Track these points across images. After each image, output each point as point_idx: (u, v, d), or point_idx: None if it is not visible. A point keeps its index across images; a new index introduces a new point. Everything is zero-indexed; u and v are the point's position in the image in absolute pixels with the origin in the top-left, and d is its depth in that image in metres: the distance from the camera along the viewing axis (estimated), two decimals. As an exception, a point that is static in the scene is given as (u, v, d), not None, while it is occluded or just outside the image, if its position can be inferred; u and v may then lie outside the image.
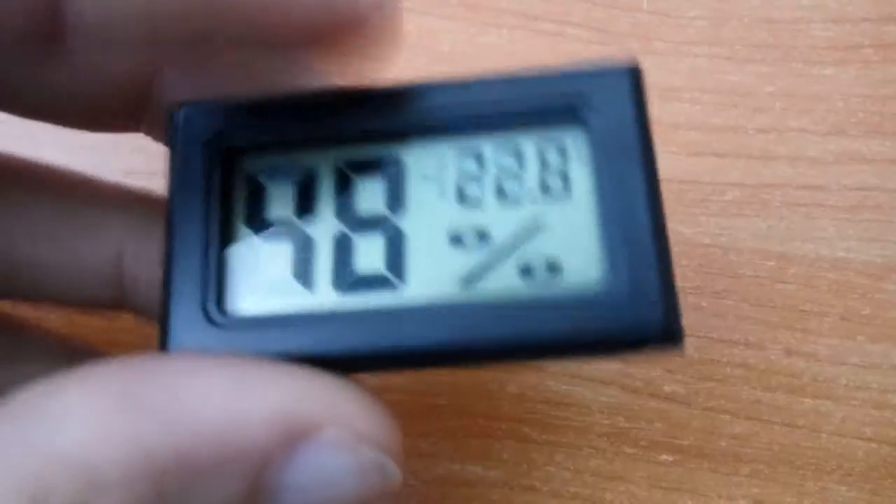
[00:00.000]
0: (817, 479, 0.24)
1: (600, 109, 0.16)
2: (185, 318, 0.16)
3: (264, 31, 0.16)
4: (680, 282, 0.25)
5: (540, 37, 0.29)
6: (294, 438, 0.13)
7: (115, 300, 0.20)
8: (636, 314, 0.15)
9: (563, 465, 0.24)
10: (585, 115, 0.16)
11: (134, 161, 0.27)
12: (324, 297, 0.16)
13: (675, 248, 0.16)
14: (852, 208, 0.26)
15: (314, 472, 0.14)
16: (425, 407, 0.24)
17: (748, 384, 0.24)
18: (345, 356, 0.15)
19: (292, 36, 0.16)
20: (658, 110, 0.17)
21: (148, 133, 0.20)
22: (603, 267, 0.16)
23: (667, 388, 0.24)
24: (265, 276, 0.16)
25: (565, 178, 0.16)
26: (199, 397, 0.13)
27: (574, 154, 0.16)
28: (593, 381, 0.25)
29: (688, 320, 0.25)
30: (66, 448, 0.12)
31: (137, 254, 0.20)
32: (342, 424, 0.14)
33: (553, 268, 0.16)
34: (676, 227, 0.25)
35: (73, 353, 0.21)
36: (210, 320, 0.16)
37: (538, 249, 0.16)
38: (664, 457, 0.24)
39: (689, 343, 0.25)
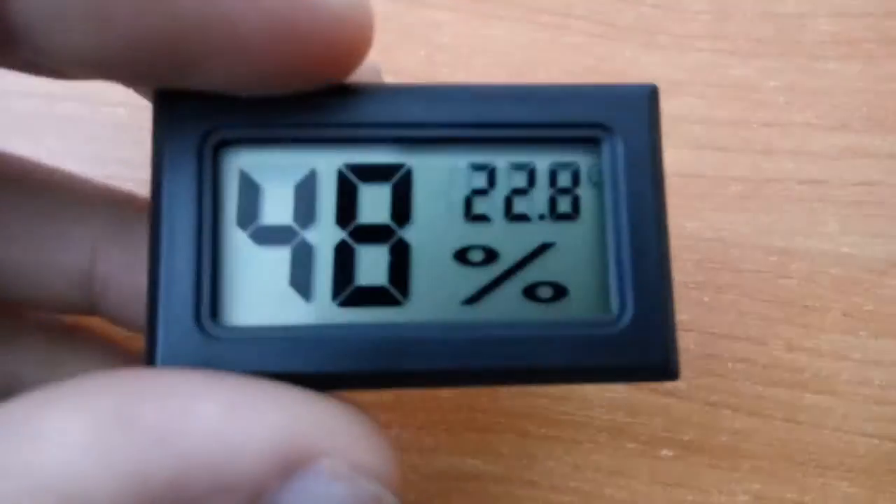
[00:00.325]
0: (818, 475, 0.24)
1: (616, 133, 0.16)
2: (176, 328, 0.15)
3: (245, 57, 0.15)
4: (682, 276, 0.25)
5: (542, 29, 0.29)
6: (290, 467, 0.13)
7: (87, 303, 0.19)
8: (639, 348, 0.15)
9: (564, 459, 0.24)
10: (602, 140, 0.16)
11: (132, 152, 0.26)
12: (322, 309, 0.15)
13: (678, 243, 0.16)
14: (855, 203, 0.26)
15: (308, 501, 0.13)
16: (426, 401, 0.24)
17: (749, 379, 0.24)
18: (344, 374, 0.15)
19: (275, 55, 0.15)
20: (661, 104, 0.16)
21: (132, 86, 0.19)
22: (608, 295, 0.16)
23: (668, 384, 0.24)
24: (261, 284, 0.15)
25: (575, 201, 0.16)
26: (196, 420, 0.12)
27: (585, 177, 0.16)
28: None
29: (689, 315, 0.25)
30: (55, 472, 0.11)
31: (110, 255, 0.19)
32: (340, 454, 0.14)
33: (558, 292, 0.16)
34: (679, 222, 0.25)
35: (72, 332, 0.21)
36: (203, 331, 0.15)
37: (544, 272, 0.16)
38: (665, 452, 0.24)
39: (691, 338, 0.25)
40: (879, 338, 0.25)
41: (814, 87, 0.28)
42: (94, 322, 0.21)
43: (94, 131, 0.26)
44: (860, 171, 0.26)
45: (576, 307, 0.16)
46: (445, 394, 0.24)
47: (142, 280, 0.18)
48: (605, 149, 0.16)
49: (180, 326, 0.15)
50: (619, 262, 0.15)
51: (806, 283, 0.25)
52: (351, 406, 0.15)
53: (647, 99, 0.16)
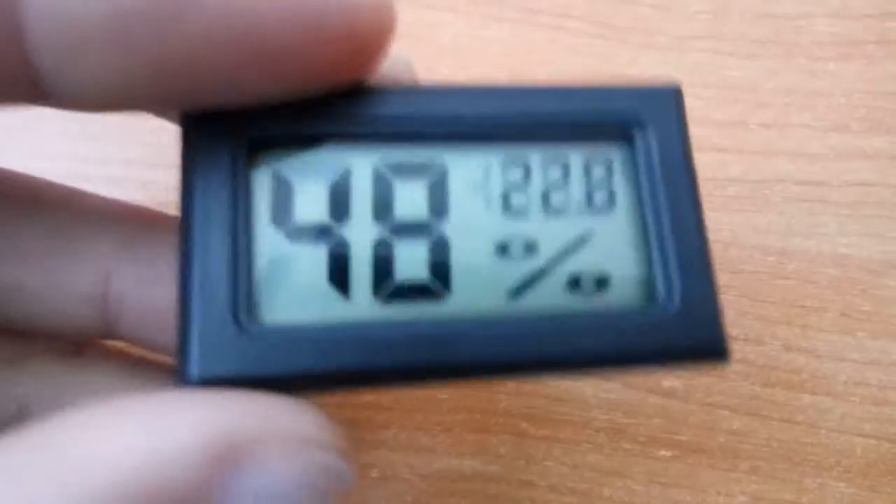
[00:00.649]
0: (816, 476, 0.24)
1: (648, 128, 0.16)
2: (212, 328, 0.14)
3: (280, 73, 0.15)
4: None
5: (541, 30, 0.29)
6: (228, 463, 0.12)
7: (102, 325, 0.19)
8: (689, 331, 0.15)
9: (562, 460, 0.24)
10: (633, 133, 0.16)
11: (134, 152, 0.26)
12: (363, 306, 0.15)
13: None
14: (853, 204, 0.26)
15: (262, 493, 0.13)
16: (423, 401, 0.24)
17: (747, 380, 0.24)
18: (389, 369, 0.15)
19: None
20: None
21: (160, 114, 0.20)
22: (653, 281, 0.16)
23: (666, 384, 0.24)
24: (299, 282, 0.15)
25: (611, 193, 0.16)
26: (100, 443, 0.12)
27: (619, 169, 0.16)
28: (592, 377, 0.25)
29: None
30: None
31: (125, 272, 0.18)
32: (279, 436, 0.13)
33: (601, 281, 0.16)
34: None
35: (82, 352, 0.20)
36: (242, 330, 0.14)
37: (585, 262, 0.16)
38: (662, 452, 0.24)
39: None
40: (877, 338, 0.25)
41: (813, 88, 0.28)
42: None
43: (96, 131, 0.27)
44: (858, 172, 0.26)
45: (620, 296, 0.16)
46: (443, 394, 0.24)
47: (159, 296, 0.18)
48: (639, 142, 0.16)
49: (217, 327, 0.14)
50: (661, 249, 0.16)
51: (804, 283, 0.25)
52: (280, 394, 0.14)
53: (674, 95, 0.17)
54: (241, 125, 0.15)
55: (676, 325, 0.15)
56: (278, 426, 0.13)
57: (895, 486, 0.23)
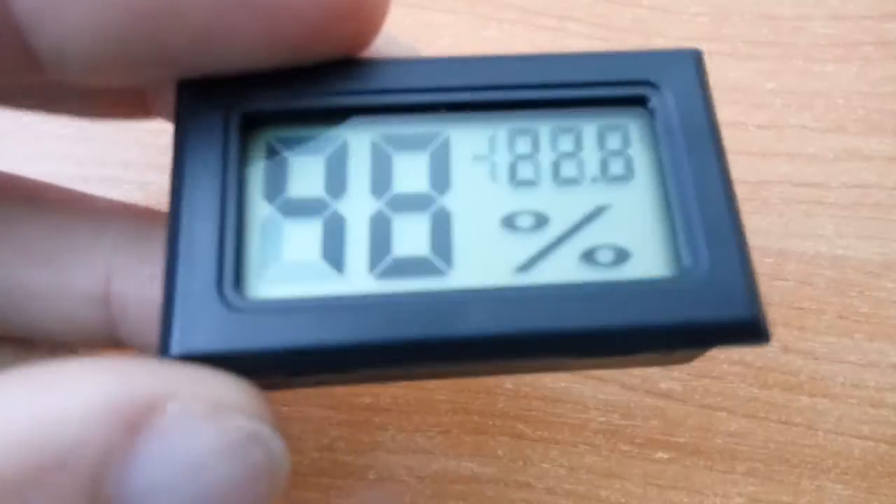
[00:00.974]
0: (814, 478, 0.24)
1: (666, 93, 0.15)
2: (195, 300, 0.13)
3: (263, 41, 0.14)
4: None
5: (541, 31, 0.29)
6: (134, 427, 0.11)
7: (105, 328, 0.19)
8: (718, 301, 0.14)
9: (559, 461, 0.24)
10: (651, 99, 0.15)
11: (132, 154, 0.26)
12: (357, 281, 0.14)
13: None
14: (851, 206, 0.26)
15: (171, 458, 0.11)
16: (421, 403, 0.24)
17: (745, 381, 0.24)
18: (383, 345, 0.13)
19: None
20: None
21: (161, 115, 0.19)
22: (677, 250, 0.14)
23: (663, 386, 0.24)
24: (290, 256, 0.14)
25: (628, 162, 0.15)
26: None
27: (636, 137, 0.15)
28: (590, 378, 0.25)
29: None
30: None
31: (127, 272, 0.18)
32: (190, 396, 0.12)
33: (620, 253, 0.15)
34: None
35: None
36: (226, 303, 0.13)
37: (601, 234, 0.15)
38: (660, 454, 0.24)
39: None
40: (875, 340, 0.25)
41: (811, 89, 0.28)
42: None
43: (94, 133, 0.27)
44: (856, 173, 0.26)
45: (642, 268, 0.14)
46: (441, 396, 0.24)
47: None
48: (657, 106, 0.15)
49: (201, 298, 0.13)
50: (686, 217, 0.14)
51: (802, 285, 0.25)
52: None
53: (693, 57, 0.16)
54: (237, 96, 0.15)
55: (704, 293, 0.14)
56: (190, 389, 0.12)
57: (893, 488, 0.23)
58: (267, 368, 0.13)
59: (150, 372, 0.12)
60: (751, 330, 0.14)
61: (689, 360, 0.18)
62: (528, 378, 0.24)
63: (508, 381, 0.24)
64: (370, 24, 0.15)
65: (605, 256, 0.15)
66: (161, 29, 0.14)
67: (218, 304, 0.13)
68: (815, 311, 0.25)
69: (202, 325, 0.13)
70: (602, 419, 0.24)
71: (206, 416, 0.12)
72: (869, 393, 0.24)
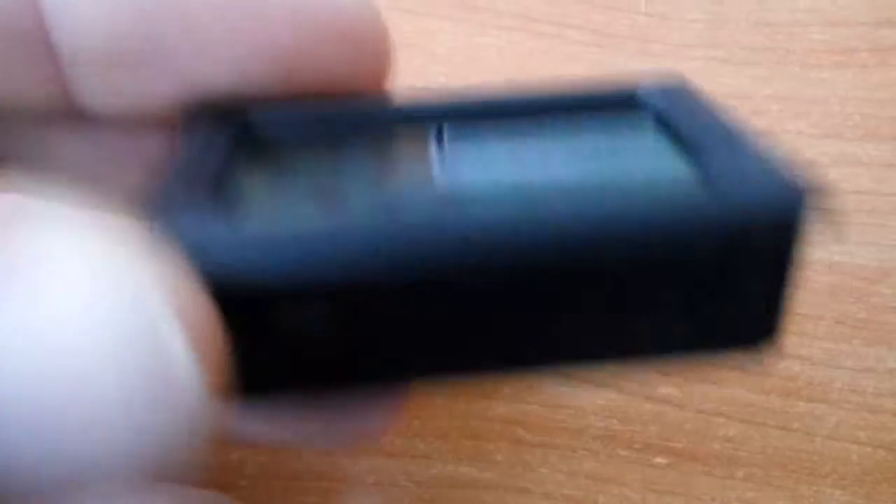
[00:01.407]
0: (811, 483, 0.24)
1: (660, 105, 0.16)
2: (181, 204, 0.12)
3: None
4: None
5: (538, 38, 0.29)
6: None
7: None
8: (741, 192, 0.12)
9: (557, 467, 0.24)
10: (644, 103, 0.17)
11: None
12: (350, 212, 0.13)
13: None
14: (848, 212, 0.26)
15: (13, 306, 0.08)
16: (420, 407, 0.24)
17: (743, 387, 0.24)
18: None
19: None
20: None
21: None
22: (693, 164, 0.14)
23: (661, 391, 0.24)
24: (280, 200, 0.13)
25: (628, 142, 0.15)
26: None
27: (637, 124, 0.16)
28: (588, 383, 0.25)
29: (683, 323, 0.25)
30: None
31: None
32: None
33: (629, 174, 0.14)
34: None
35: None
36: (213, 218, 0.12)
37: (606, 168, 0.14)
38: (658, 459, 0.24)
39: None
40: (872, 346, 0.25)
41: (807, 95, 0.28)
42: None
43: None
44: (853, 179, 0.26)
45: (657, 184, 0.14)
46: (439, 400, 0.24)
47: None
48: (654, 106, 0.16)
49: (187, 203, 0.12)
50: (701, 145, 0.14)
51: (799, 290, 0.25)
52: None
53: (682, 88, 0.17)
54: (239, 121, 0.15)
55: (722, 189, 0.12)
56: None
57: (891, 495, 0.23)
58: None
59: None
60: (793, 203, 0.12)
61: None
62: (528, 383, 0.25)
63: (507, 386, 0.25)
64: (366, 51, 0.15)
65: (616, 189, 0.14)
66: (169, 35, 0.14)
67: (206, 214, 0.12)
68: (812, 317, 0.25)
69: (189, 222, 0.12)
70: (600, 424, 0.24)
71: (83, 264, 0.08)
72: (867, 398, 0.24)
